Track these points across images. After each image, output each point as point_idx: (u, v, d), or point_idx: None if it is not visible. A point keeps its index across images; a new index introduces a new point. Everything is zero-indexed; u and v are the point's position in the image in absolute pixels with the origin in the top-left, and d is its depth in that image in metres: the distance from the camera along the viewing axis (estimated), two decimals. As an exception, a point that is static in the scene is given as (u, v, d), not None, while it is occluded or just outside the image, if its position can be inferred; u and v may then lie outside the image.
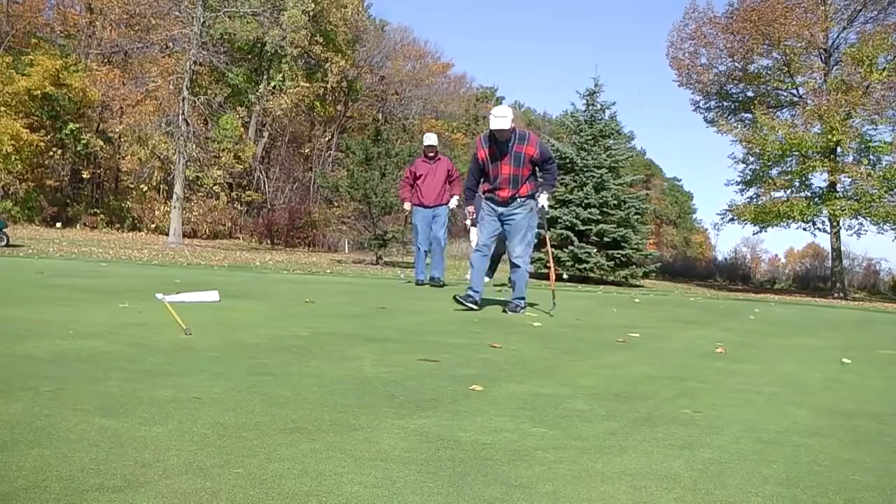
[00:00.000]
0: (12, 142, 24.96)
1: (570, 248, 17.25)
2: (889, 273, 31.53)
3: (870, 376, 3.66)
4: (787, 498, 1.67)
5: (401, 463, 1.77)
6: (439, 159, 8.46)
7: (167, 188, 27.43)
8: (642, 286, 17.41)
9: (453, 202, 8.48)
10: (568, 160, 18.21)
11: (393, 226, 19.21)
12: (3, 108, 25.65)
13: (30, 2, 30.02)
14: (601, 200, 17.76)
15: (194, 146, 23.02)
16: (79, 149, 29.63)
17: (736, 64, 23.98)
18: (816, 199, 22.58)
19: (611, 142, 19.06)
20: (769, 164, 23.26)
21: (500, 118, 5.54)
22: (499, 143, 5.67)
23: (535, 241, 6.18)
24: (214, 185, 25.11)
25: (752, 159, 23.96)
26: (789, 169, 23.12)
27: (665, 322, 6.11)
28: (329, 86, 32.30)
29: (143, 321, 4.07)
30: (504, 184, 5.73)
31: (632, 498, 1.62)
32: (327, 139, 36.59)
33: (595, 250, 17.49)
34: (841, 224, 23.07)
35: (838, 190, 22.52)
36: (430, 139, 8.59)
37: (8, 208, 25.41)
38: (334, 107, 37.06)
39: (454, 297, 5.76)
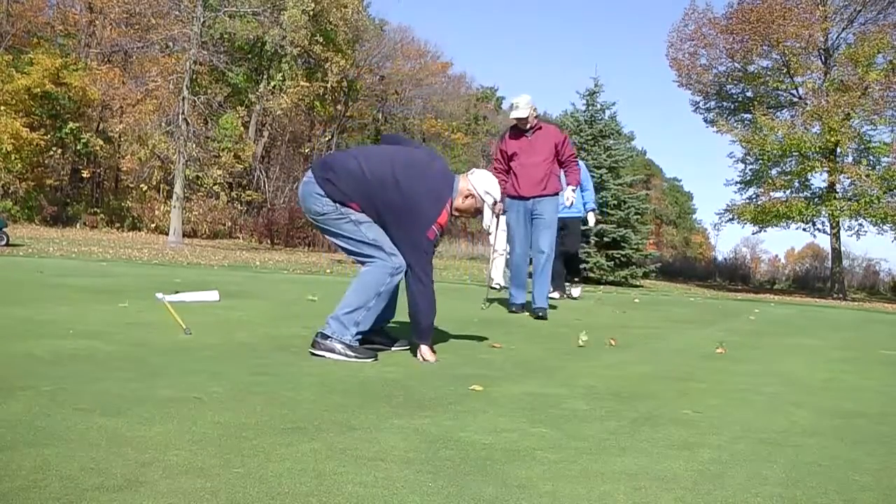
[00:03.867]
0: (12, 141, 24.95)
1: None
2: (889, 273, 31.59)
3: (870, 376, 3.66)
4: (787, 498, 1.67)
5: (401, 463, 1.76)
6: (539, 128, 5.78)
7: (167, 188, 27.42)
8: (642, 286, 17.41)
9: (568, 193, 5.93)
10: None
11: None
12: (2, 107, 25.63)
13: (30, 1, 30.01)
14: (601, 200, 17.74)
15: (194, 146, 23.01)
16: (79, 148, 29.63)
17: (735, 64, 24.00)
18: (816, 200, 22.60)
19: (611, 142, 19.07)
20: (769, 164, 23.29)
21: None
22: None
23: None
24: (214, 184, 25.09)
25: (751, 159, 24.02)
26: (789, 169, 23.16)
27: (665, 322, 6.11)
28: (329, 85, 32.27)
29: (143, 321, 4.07)
30: None
31: (632, 498, 1.62)
32: (327, 139, 36.56)
33: (595, 250, 17.50)
34: (840, 225, 23.10)
35: (838, 190, 22.54)
36: (519, 110, 5.69)
37: (8, 207, 25.40)
38: (334, 106, 37.05)
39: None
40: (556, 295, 7.67)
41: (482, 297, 7.02)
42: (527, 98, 5.65)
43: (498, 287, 8.11)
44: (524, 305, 5.89)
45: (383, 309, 3.41)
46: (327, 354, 3.19)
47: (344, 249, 3.41)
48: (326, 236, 3.50)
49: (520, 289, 5.93)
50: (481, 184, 3.45)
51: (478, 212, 3.49)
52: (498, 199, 3.52)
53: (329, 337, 3.22)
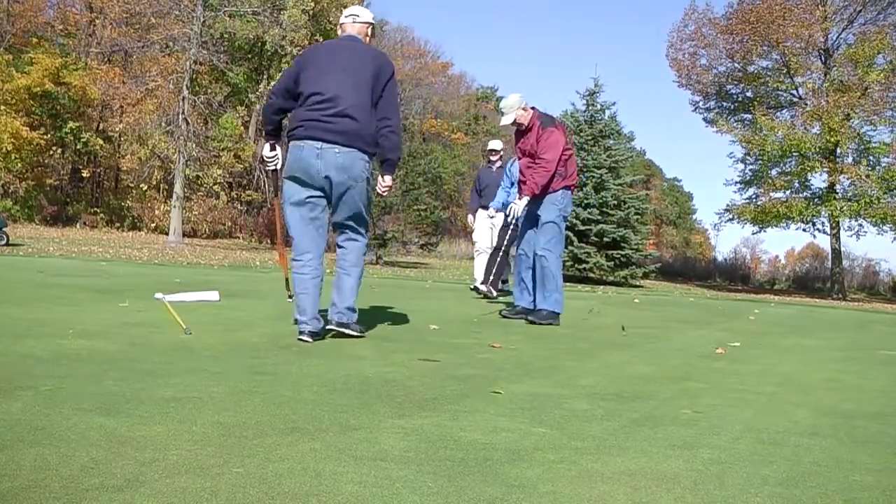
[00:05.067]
0: (12, 140, 24.94)
1: (570, 248, 17.26)
2: (888, 274, 31.63)
3: (870, 376, 3.66)
4: (787, 498, 1.67)
5: (401, 463, 1.76)
6: (530, 128, 5.47)
7: (167, 187, 27.43)
8: (642, 286, 17.42)
9: (512, 205, 5.53)
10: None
11: (393, 226, 19.21)
12: (2, 107, 25.63)
13: (30, 1, 30.01)
14: (601, 200, 17.78)
15: (194, 145, 23.02)
16: (79, 147, 29.63)
17: (735, 65, 24.02)
18: (816, 200, 22.61)
19: (611, 142, 19.08)
20: (769, 164, 23.31)
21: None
22: None
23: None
24: (214, 184, 25.11)
25: (751, 159, 24.04)
26: (789, 169, 23.18)
27: (665, 322, 6.11)
28: (329, 85, 32.22)
29: (143, 321, 4.07)
30: None
31: (632, 498, 1.62)
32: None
33: (595, 250, 17.51)
34: (840, 225, 23.11)
35: (837, 191, 22.55)
36: (505, 117, 5.53)
37: (8, 207, 25.40)
38: (334, 106, 37.01)
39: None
40: (483, 288, 7.26)
41: (482, 297, 7.01)
42: (513, 100, 5.41)
43: (478, 288, 7.61)
44: (525, 311, 5.51)
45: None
46: (347, 331, 3.81)
47: (353, 215, 3.84)
48: (339, 203, 3.80)
49: (520, 291, 5.62)
50: (362, 14, 3.97)
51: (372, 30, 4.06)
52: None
53: (347, 324, 3.84)
